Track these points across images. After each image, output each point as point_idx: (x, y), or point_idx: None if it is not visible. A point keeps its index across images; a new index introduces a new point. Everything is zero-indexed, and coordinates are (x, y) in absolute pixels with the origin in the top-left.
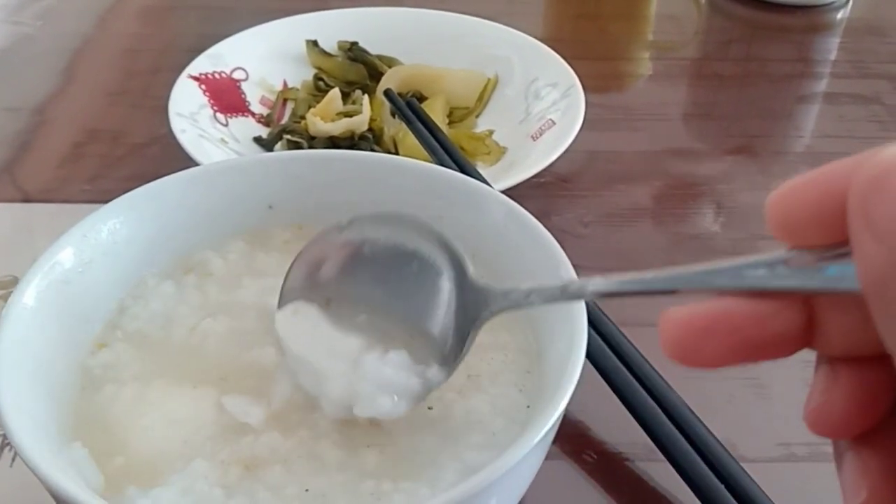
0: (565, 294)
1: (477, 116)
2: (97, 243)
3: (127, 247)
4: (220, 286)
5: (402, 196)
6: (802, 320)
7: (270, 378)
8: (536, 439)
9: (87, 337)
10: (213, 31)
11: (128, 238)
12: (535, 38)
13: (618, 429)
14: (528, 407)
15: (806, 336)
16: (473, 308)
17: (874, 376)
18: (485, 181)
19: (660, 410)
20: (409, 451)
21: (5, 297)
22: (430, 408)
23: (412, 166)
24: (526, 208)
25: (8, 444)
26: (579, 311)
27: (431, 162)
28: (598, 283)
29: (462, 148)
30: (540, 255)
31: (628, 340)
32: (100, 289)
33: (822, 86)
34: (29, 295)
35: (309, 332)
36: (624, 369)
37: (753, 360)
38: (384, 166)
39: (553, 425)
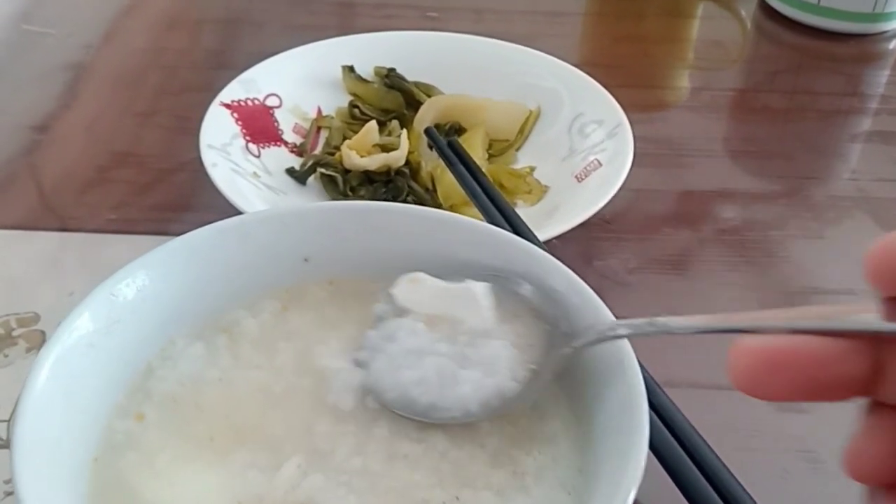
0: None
1: (517, 150)
2: (125, 302)
3: (156, 305)
4: (253, 348)
5: (447, 253)
6: (868, 366)
7: (315, 449)
8: None
9: (111, 402)
10: (239, 47)
11: (157, 296)
12: (573, 61)
13: None
14: None
15: (867, 383)
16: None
17: None
18: (534, 237)
19: (712, 490)
20: None
21: (26, 337)
22: None
23: (460, 223)
24: (567, 252)
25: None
26: (639, 397)
27: (471, 205)
28: (678, 322)
29: (501, 185)
30: None
31: (675, 406)
32: (126, 351)
33: (875, 123)
34: (51, 364)
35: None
36: (673, 441)
37: (813, 399)
38: (428, 221)
39: None
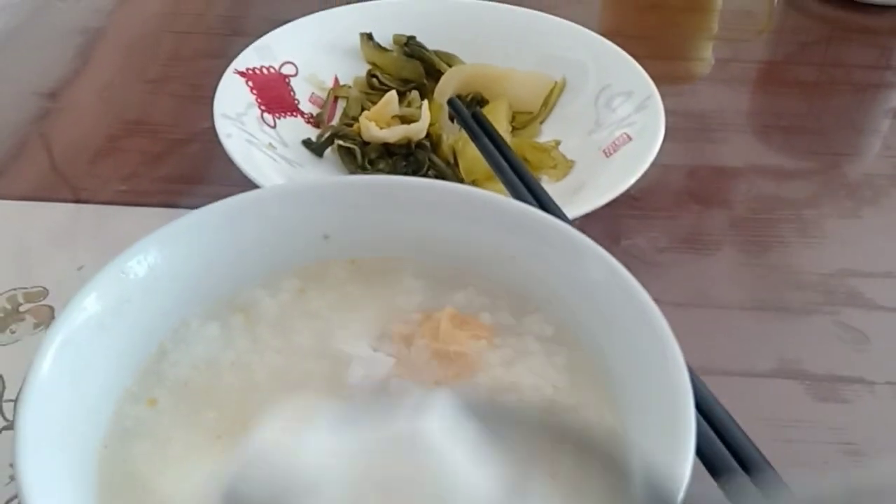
0: None
1: (541, 123)
2: (137, 280)
3: (168, 284)
4: (271, 329)
5: (473, 230)
6: None
7: None
8: None
9: (121, 386)
10: (254, 13)
11: (170, 274)
12: (595, 30)
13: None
14: None
15: None
16: None
17: None
18: (564, 216)
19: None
20: None
21: (34, 312)
22: None
23: (486, 199)
24: (593, 230)
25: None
26: (685, 395)
27: (495, 180)
28: None
29: (525, 159)
30: (640, 326)
31: (714, 397)
32: (137, 332)
33: None
34: (58, 346)
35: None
36: (706, 425)
37: None
38: (453, 197)
39: None
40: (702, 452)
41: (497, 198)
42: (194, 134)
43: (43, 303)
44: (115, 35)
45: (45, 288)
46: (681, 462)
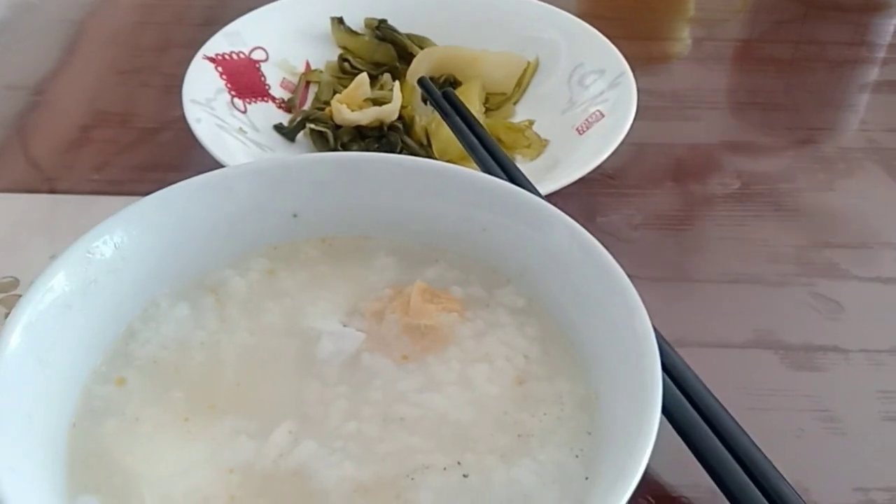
0: None
1: (515, 104)
2: (103, 260)
3: (136, 264)
4: (242, 309)
5: (443, 205)
6: None
7: (306, 414)
8: None
9: (90, 366)
10: (226, 3)
11: (136, 254)
12: (573, 12)
13: (678, 469)
14: (587, 479)
15: None
16: None
17: None
18: (535, 191)
19: (727, 452)
20: None
21: (5, 302)
22: (465, 475)
23: (455, 173)
24: (568, 208)
25: None
26: (651, 354)
27: (469, 159)
28: None
29: (499, 139)
30: (607, 290)
31: (687, 366)
32: (106, 312)
33: (884, 73)
34: (23, 327)
35: None
36: (686, 402)
37: None
38: (422, 172)
39: None
40: (670, 413)
41: (466, 171)
42: (165, 122)
43: (14, 293)
44: (93, 28)
45: (16, 278)
46: (647, 421)
